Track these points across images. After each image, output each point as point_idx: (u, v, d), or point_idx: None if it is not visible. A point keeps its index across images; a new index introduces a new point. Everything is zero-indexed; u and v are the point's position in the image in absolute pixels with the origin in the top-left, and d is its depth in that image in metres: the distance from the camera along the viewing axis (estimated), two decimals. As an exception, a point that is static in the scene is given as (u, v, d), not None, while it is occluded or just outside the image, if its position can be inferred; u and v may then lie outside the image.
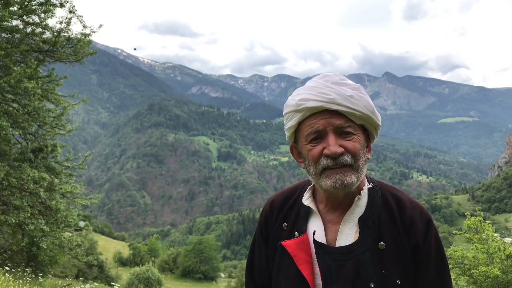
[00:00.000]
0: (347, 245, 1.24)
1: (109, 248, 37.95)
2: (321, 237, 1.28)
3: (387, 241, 1.23)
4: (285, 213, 1.39)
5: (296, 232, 1.32)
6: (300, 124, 1.26)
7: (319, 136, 1.21)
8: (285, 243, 1.30)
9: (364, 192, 1.29)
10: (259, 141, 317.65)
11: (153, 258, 33.82)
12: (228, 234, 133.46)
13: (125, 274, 22.92)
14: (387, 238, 1.24)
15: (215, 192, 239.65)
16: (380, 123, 1.28)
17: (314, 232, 1.28)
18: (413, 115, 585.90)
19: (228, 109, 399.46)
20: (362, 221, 1.25)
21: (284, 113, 1.29)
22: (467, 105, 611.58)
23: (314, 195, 1.35)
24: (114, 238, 52.54)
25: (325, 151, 1.19)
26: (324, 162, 1.20)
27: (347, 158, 1.19)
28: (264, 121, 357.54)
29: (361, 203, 1.28)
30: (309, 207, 1.32)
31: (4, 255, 10.10)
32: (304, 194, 1.37)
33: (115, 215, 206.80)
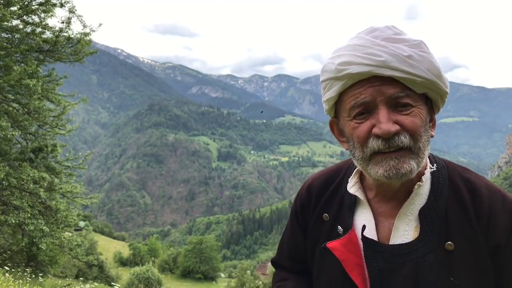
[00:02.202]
0: (404, 243, 0.98)
1: (109, 248, 37.98)
2: (371, 234, 1.02)
3: (457, 240, 0.95)
4: (326, 201, 1.15)
5: (339, 226, 1.08)
6: (341, 94, 0.98)
7: (366, 110, 0.93)
8: (330, 245, 1.04)
9: (426, 177, 1.00)
10: (259, 141, 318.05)
11: (153, 258, 33.82)
12: (228, 234, 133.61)
13: (125, 274, 22.94)
14: (457, 236, 0.95)
15: (215, 192, 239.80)
16: (448, 90, 0.98)
17: (364, 226, 1.02)
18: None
19: (228, 109, 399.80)
20: (423, 214, 0.98)
21: (321, 80, 1.02)
22: (467, 105, 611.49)
23: (361, 180, 1.09)
24: (114, 238, 52.65)
25: (375, 129, 0.91)
26: (373, 144, 0.92)
27: (404, 139, 0.90)
28: (264, 121, 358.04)
29: (422, 191, 1.00)
30: (355, 195, 1.07)
31: (4, 255, 10.09)
32: (350, 179, 1.10)
33: (115, 215, 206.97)
